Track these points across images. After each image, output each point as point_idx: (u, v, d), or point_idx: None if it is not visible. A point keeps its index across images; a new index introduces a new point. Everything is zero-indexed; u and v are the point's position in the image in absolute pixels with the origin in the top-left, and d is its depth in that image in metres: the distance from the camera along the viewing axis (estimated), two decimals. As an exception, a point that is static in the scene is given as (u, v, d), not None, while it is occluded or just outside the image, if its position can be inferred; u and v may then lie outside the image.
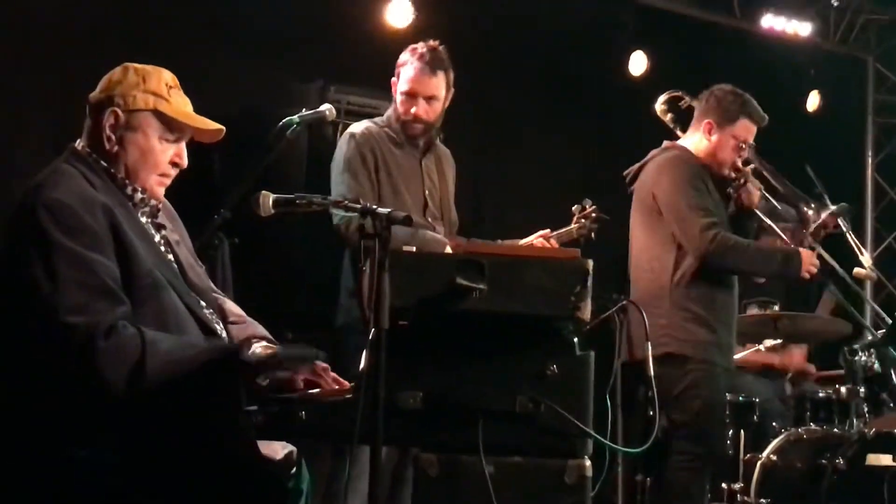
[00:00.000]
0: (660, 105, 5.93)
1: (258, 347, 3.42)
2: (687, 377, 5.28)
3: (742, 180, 5.51)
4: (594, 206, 5.31)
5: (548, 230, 5.16)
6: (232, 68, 6.31)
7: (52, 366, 2.97)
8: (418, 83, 4.94)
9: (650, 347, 4.82)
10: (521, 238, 5.14)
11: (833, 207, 5.66)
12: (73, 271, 2.98)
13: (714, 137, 5.45)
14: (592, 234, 5.28)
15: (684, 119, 5.79)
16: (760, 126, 5.52)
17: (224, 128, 3.41)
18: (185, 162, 3.35)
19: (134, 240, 3.14)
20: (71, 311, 2.94)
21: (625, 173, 5.61)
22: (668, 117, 5.89)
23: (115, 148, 3.25)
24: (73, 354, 2.93)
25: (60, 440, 2.99)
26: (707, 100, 5.53)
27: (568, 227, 5.25)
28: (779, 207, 5.74)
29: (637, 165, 5.56)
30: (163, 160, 3.30)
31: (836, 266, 5.89)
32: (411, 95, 4.96)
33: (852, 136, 9.93)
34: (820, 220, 5.59)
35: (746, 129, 5.48)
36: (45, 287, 2.96)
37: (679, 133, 5.76)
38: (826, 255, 5.78)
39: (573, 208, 5.33)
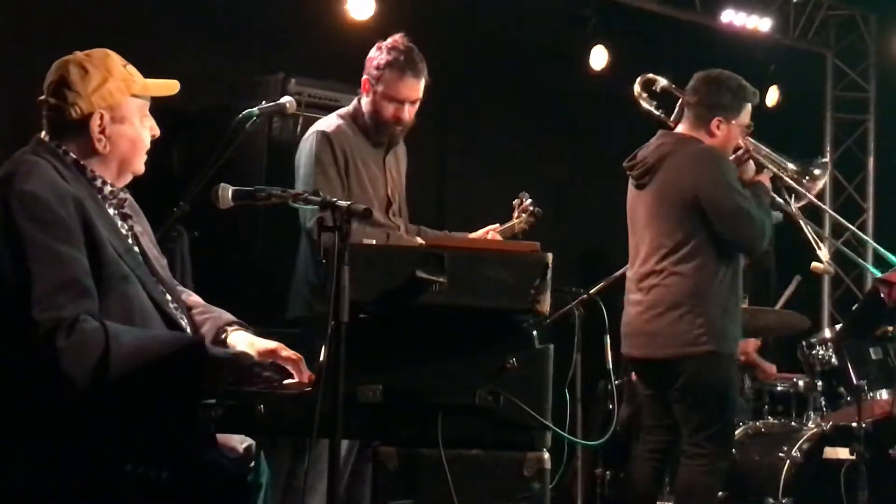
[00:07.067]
0: (640, 93, 5.58)
1: (235, 334, 3.42)
2: (728, 375, 5.20)
3: (745, 156, 5.32)
4: (530, 200, 5.17)
5: (497, 224, 5.09)
6: (192, 60, 6.28)
7: (18, 359, 2.94)
8: (409, 90, 4.77)
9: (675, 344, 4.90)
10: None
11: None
12: (44, 265, 2.94)
13: (722, 132, 5.20)
14: (527, 227, 5.17)
15: (663, 104, 5.56)
16: (755, 103, 5.34)
17: (178, 82, 3.40)
18: (157, 130, 3.36)
19: (103, 231, 3.11)
20: (36, 306, 2.91)
21: (631, 164, 5.30)
22: (652, 105, 5.56)
23: (108, 147, 3.23)
24: (35, 350, 2.91)
25: (23, 434, 2.98)
26: (702, 90, 5.24)
27: (511, 223, 5.15)
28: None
29: (649, 157, 5.22)
30: (146, 138, 3.32)
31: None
32: (399, 101, 4.78)
33: (811, 132, 10.02)
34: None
35: (748, 113, 5.28)
36: (13, 281, 2.94)
37: (670, 123, 5.42)
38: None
39: (513, 202, 5.22)
